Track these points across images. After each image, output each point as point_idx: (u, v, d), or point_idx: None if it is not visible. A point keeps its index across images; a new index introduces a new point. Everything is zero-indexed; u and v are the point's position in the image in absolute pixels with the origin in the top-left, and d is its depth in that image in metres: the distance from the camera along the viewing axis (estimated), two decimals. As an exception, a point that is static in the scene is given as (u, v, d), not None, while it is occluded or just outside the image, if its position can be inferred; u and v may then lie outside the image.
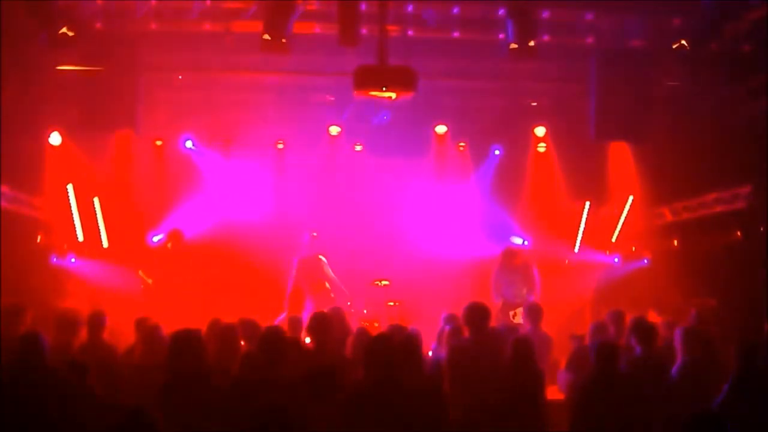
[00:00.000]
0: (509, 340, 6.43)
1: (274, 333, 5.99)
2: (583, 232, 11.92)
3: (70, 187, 10.85)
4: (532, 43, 8.84)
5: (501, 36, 9.27)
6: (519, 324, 9.29)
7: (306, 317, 7.66)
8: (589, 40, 9.77)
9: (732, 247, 10.17)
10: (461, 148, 12.59)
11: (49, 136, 10.60)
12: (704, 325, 7.57)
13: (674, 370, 6.48)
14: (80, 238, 10.95)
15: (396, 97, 8.51)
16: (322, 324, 6.61)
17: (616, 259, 11.73)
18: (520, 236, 11.87)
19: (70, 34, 8.74)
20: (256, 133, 11.93)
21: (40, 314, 7.38)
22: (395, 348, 5.51)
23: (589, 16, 9.54)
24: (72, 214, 10.89)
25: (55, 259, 10.68)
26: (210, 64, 10.37)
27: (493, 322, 7.74)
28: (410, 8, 9.29)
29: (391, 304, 11.19)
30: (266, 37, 8.65)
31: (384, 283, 11.43)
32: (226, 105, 11.74)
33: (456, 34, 9.53)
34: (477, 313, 6.78)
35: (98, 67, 9.28)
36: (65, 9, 8.83)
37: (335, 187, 12.29)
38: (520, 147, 12.22)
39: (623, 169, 11.47)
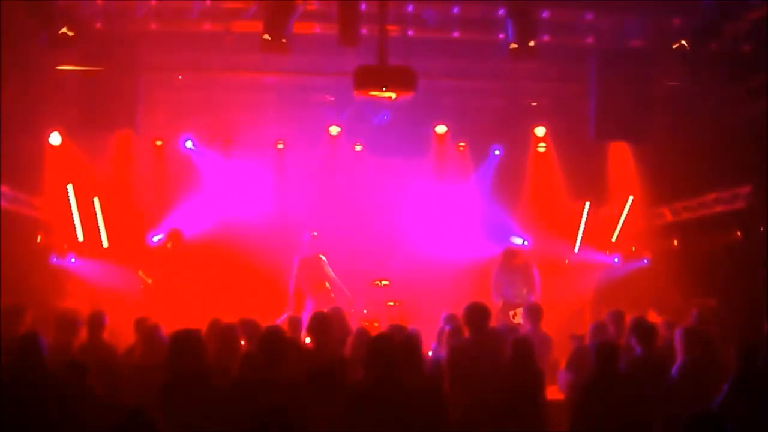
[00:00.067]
0: (509, 340, 6.43)
1: (274, 333, 5.99)
2: (583, 232, 11.91)
3: (70, 187, 10.85)
4: (532, 43, 8.84)
5: (501, 36, 9.27)
6: (519, 324, 9.30)
7: (306, 317, 7.66)
8: (589, 40, 9.78)
9: (732, 247, 10.17)
10: (461, 148, 12.58)
11: (49, 136, 10.60)
12: (704, 325, 7.57)
13: (674, 370, 6.48)
14: (80, 238, 10.95)
15: (396, 97, 8.51)
16: (322, 324, 6.61)
17: (616, 259, 11.72)
18: (520, 236, 11.86)
19: (70, 34, 8.75)
20: (256, 133, 11.93)
21: (40, 314, 7.37)
22: (395, 348, 5.51)
23: (589, 16, 9.54)
24: (72, 214, 10.89)
25: (55, 259, 10.67)
26: (210, 64, 10.38)
27: (493, 322, 7.74)
28: (410, 8, 9.30)
29: (391, 304, 11.20)
30: (266, 37, 8.65)
31: (384, 283, 11.43)
32: (226, 105, 11.74)
33: (456, 34, 9.53)
34: (477, 313, 6.78)
35: (98, 67, 9.29)
36: (65, 9, 8.83)
37: (335, 187, 12.28)
38: (520, 147, 12.21)
39: (623, 169, 11.46)
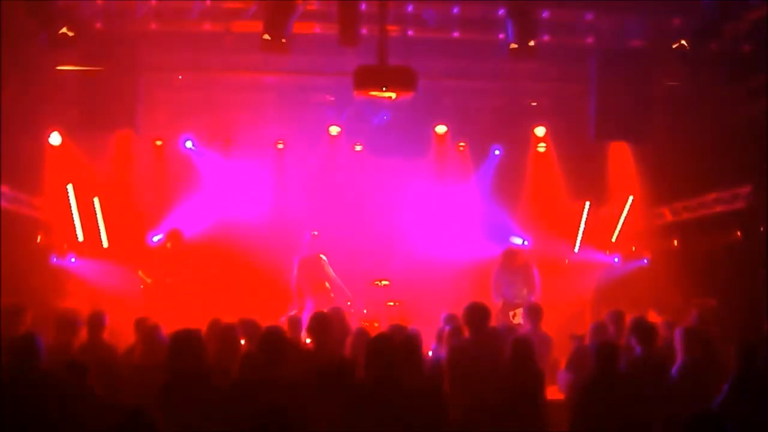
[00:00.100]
0: (509, 340, 6.42)
1: (274, 333, 5.99)
2: (583, 232, 11.91)
3: (70, 187, 10.84)
4: (532, 43, 8.85)
5: (501, 36, 9.28)
6: (519, 324, 9.30)
7: (306, 317, 7.66)
8: (589, 40, 9.78)
9: (732, 247, 10.17)
10: (461, 148, 12.58)
11: (49, 136, 10.60)
12: (704, 325, 7.57)
13: (674, 370, 6.47)
14: (80, 238, 10.95)
15: (396, 97, 8.51)
16: (322, 324, 6.61)
17: (616, 259, 11.73)
18: (520, 236, 11.86)
19: (70, 34, 8.75)
20: (256, 133, 11.94)
21: (40, 314, 7.37)
22: (395, 348, 5.51)
23: (589, 16, 9.55)
24: (72, 214, 10.89)
25: (55, 259, 10.67)
26: (210, 64, 10.38)
27: (493, 323, 7.73)
28: (410, 8, 9.30)
29: (391, 304, 11.20)
30: (266, 37, 8.65)
31: (384, 283, 11.43)
32: (226, 105, 11.74)
33: (456, 34, 9.54)
34: (477, 313, 6.78)
35: (98, 67, 9.29)
36: (65, 9, 8.83)
37: (335, 187, 12.29)
38: (520, 147, 12.21)
39: (623, 169, 11.46)
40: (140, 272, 10.54)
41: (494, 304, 9.89)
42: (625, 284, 11.24)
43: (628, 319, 7.24)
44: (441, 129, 12.15)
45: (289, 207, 12.03)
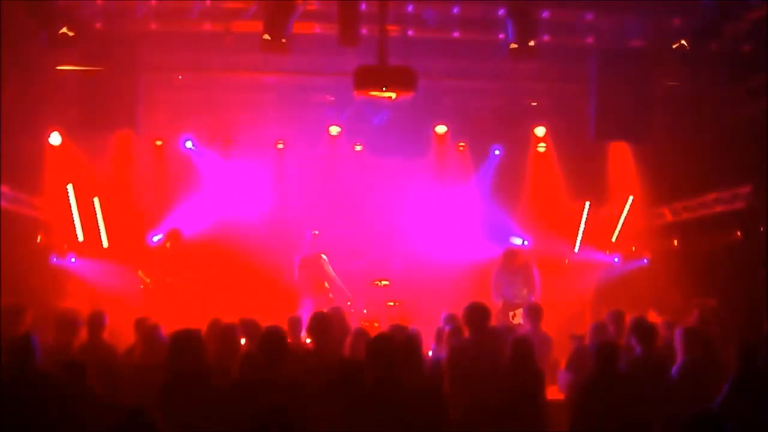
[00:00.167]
0: (509, 340, 6.42)
1: (274, 333, 5.99)
2: (583, 232, 11.91)
3: (70, 187, 10.85)
4: (532, 43, 8.85)
5: (501, 36, 9.28)
6: (519, 324, 9.30)
7: (306, 317, 7.66)
8: (589, 40, 9.78)
9: (732, 247, 10.16)
10: (461, 148, 12.58)
11: (49, 136, 10.60)
12: (704, 325, 7.57)
13: (674, 370, 6.47)
14: (80, 238, 10.95)
15: (396, 97, 8.51)
16: (322, 324, 6.61)
17: (616, 259, 11.72)
18: (520, 236, 11.86)
19: (70, 34, 8.75)
20: (256, 133, 11.93)
21: (40, 314, 7.37)
22: (395, 348, 5.51)
23: (589, 16, 9.55)
24: (72, 214, 10.89)
25: (55, 259, 10.67)
26: (210, 64, 10.38)
27: (493, 323, 7.73)
28: (410, 8, 9.30)
29: (391, 304, 11.20)
30: (266, 37, 8.66)
31: (384, 283, 11.44)
32: (226, 105, 11.74)
33: (456, 34, 9.54)
34: (477, 313, 6.78)
35: (98, 67, 9.29)
36: (65, 9, 8.84)
37: (335, 187, 12.28)
38: (520, 147, 12.22)
39: (623, 169, 11.46)
40: (140, 272, 10.53)
41: (494, 305, 9.89)
42: (625, 284, 11.23)
43: (628, 319, 7.23)
44: (441, 129, 12.15)
45: (289, 207, 12.04)
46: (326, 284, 10.67)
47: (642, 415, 5.69)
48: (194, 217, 11.45)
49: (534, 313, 8.28)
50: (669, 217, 11.41)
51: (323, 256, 10.76)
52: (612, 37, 9.69)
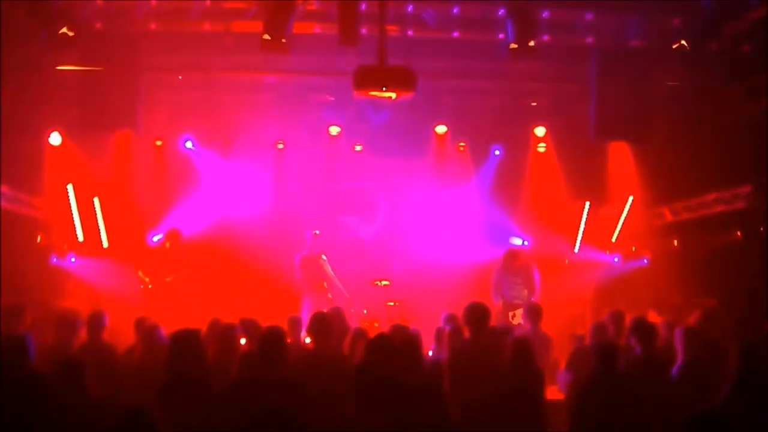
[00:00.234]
0: (508, 340, 6.42)
1: (274, 333, 5.98)
2: (583, 232, 11.91)
3: (70, 187, 10.85)
4: (532, 43, 8.85)
5: (501, 36, 9.27)
6: (519, 324, 9.29)
7: (306, 317, 7.66)
8: (589, 40, 9.77)
9: (732, 247, 10.16)
10: (461, 149, 12.58)
11: (49, 136, 10.61)
12: (704, 325, 7.56)
13: (674, 370, 6.47)
14: (80, 238, 10.95)
15: (396, 97, 8.50)
16: (322, 324, 6.60)
17: (616, 259, 11.73)
18: (520, 236, 11.86)
19: (70, 34, 8.76)
20: (256, 133, 11.93)
21: (40, 314, 7.38)
22: (395, 348, 5.50)
23: (589, 16, 9.54)
24: (72, 214, 10.89)
25: (55, 259, 10.68)
26: (210, 64, 10.38)
27: (493, 323, 7.73)
28: (410, 8, 9.29)
29: (391, 304, 11.20)
30: (266, 37, 8.65)
31: (384, 283, 11.43)
32: (226, 105, 11.73)
33: (456, 34, 9.53)
34: (477, 313, 6.78)
35: (98, 67, 9.29)
36: (65, 9, 8.84)
37: (335, 187, 12.28)
38: (520, 147, 12.22)
39: (623, 169, 11.46)
40: (140, 272, 10.53)
41: (494, 305, 9.89)
42: (625, 284, 11.24)
43: (628, 319, 7.23)
44: (441, 129, 12.15)
45: (288, 207, 12.03)
46: (325, 284, 10.67)
47: (642, 415, 5.68)
48: (194, 217, 11.46)
49: (534, 313, 8.28)
50: (669, 217, 11.41)
51: (323, 257, 10.75)
52: (612, 37, 9.68)
